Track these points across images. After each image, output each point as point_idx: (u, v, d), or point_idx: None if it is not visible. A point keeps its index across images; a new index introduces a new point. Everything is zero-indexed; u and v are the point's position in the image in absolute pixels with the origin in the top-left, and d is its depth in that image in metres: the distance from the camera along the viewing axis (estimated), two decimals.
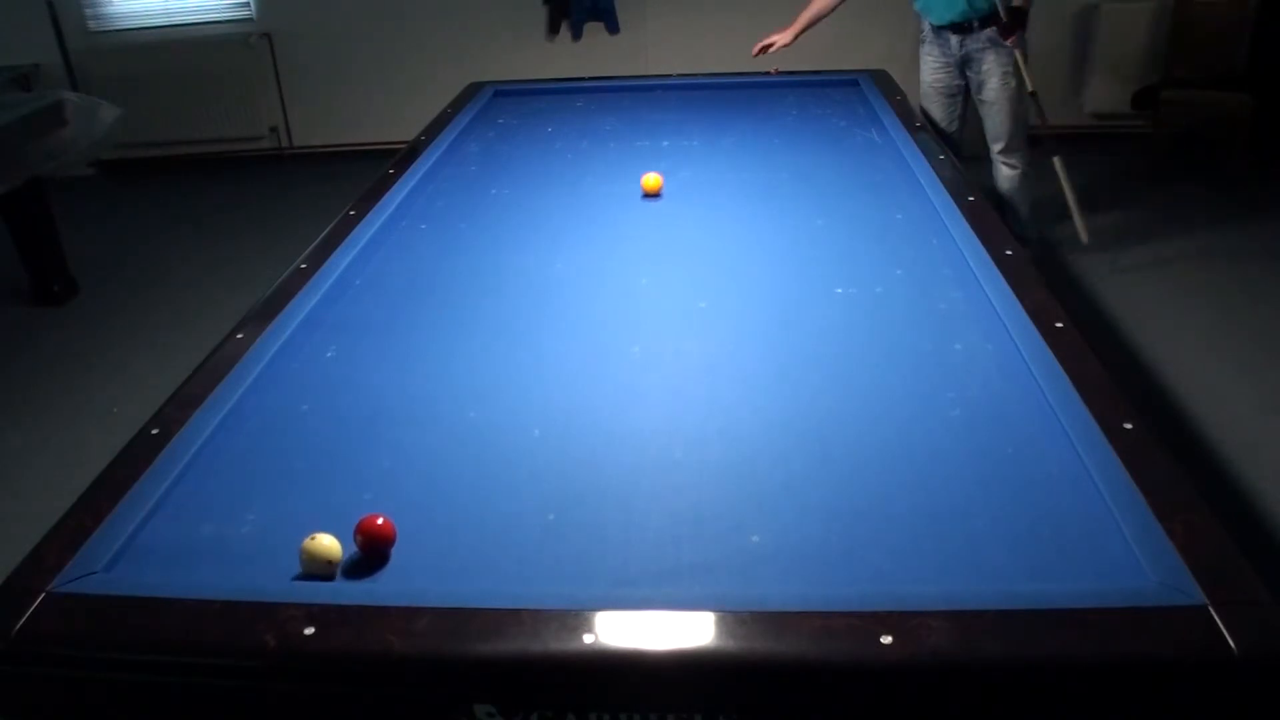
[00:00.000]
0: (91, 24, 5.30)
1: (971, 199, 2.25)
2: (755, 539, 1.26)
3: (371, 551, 1.24)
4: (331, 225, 2.29)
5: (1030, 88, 3.43)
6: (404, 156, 2.81)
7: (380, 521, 1.24)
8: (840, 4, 3.58)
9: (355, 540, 1.24)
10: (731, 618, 1.09)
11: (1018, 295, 1.78)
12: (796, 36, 3.60)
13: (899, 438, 1.46)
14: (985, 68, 3.43)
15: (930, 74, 3.59)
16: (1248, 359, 3.14)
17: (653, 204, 2.46)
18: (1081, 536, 1.23)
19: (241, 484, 1.42)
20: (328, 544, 1.21)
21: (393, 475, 1.42)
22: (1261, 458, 2.65)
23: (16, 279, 4.01)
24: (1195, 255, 3.86)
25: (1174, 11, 4.70)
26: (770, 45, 3.61)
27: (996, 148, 3.58)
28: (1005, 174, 3.61)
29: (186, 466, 1.43)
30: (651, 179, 2.50)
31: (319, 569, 1.21)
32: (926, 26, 3.54)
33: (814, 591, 1.14)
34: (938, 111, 3.63)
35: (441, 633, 1.09)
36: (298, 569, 1.22)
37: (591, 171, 2.70)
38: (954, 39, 3.44)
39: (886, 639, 1.05)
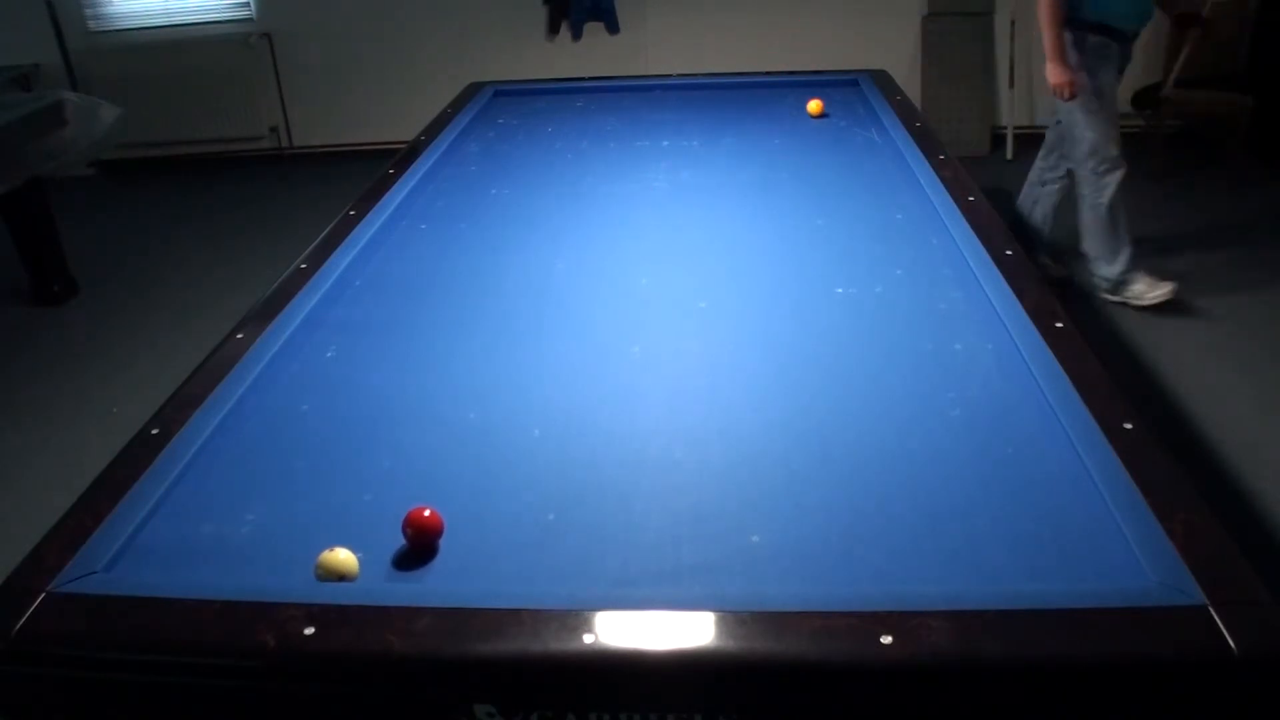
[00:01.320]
0: (91, 24, 5.30)
1: (971, 199, 2.24)
2: (755, 539, 1.26)
3: (419, 543, 1.25)
4: (331, 225, 2.29)
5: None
6: (404, 156, 2.81)
7: (427, 514, 1.25)
8: None
9: (405, 533, 1.25)
10: (731, 618, 1.09)
11: (1017, 295, 1.78)
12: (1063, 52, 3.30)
13: (899, 438, 1.46)
14: (1119, 78, 3.34)
15: (1111, 88, 3.32)
16: (1248, 359, 3.14)
17: (652, 203, 2.46)
18: (1081, 536, 1.23)
19: (241, 484, 1.42)
20: (343, 557, 1.21)
21: (393, 475, 1.42)
22: (1261, 458, 2.65)
23: (16, 279, 4.01)
24: (1195, 255, 3.86)
25: None
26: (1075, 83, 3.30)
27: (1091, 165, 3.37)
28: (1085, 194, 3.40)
29: (186, 466, 1.43)
30: (815, 104, 3.05)
31: (331, 579, 1.21)
32: (1095, 39, 3.24)
33: (814, 591, 1.14)
34: (1111, 127, 3.33)
35: (441, 633, 1.09)
36: (298, 569, 1.21)
37: (591, 171, 2.70)
38: (1122, 49, 3.30)
39: (886, 639, 1.05)
